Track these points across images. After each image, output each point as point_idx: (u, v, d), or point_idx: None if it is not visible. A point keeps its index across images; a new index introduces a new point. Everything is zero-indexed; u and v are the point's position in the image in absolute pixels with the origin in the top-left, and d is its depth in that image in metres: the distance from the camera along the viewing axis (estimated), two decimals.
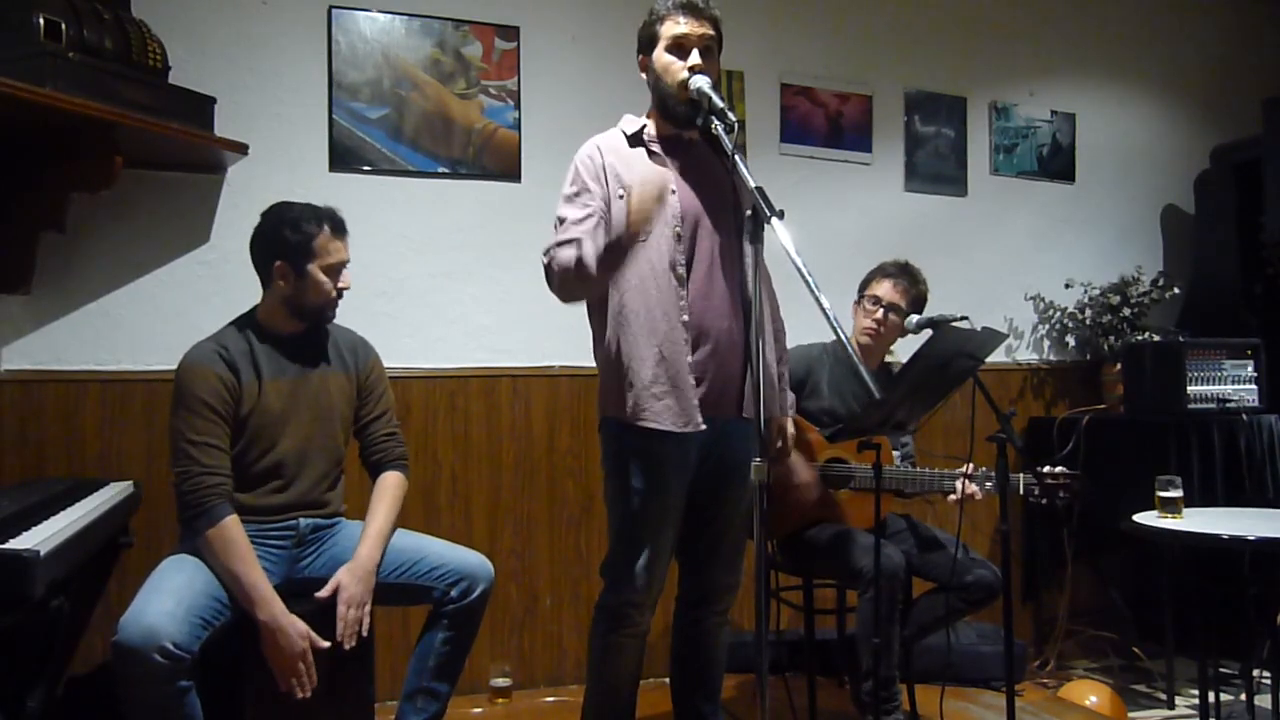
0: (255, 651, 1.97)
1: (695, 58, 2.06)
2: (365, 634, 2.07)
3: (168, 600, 1.84)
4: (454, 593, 2.14)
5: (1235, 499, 3.14)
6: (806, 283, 1.64)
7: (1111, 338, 3.75)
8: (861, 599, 2.48)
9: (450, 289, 3.10)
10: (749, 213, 1.74)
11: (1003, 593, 2.23)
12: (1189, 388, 3.26)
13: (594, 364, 2.21)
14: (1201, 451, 3.20)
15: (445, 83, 3.11)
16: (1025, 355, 3.89)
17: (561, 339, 3.05)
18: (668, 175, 2.07)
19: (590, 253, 1.99)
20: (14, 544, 1.65)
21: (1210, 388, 3.30)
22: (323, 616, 2.02)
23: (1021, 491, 2.42)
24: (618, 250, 1.98)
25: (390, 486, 2.26)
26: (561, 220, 2.10)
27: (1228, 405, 3.28)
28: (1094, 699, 2.99)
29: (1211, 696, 2.61)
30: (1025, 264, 3.88)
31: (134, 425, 2.74)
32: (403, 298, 3.04)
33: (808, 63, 3.57)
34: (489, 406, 3.11)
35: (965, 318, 2.26)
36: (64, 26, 2.26)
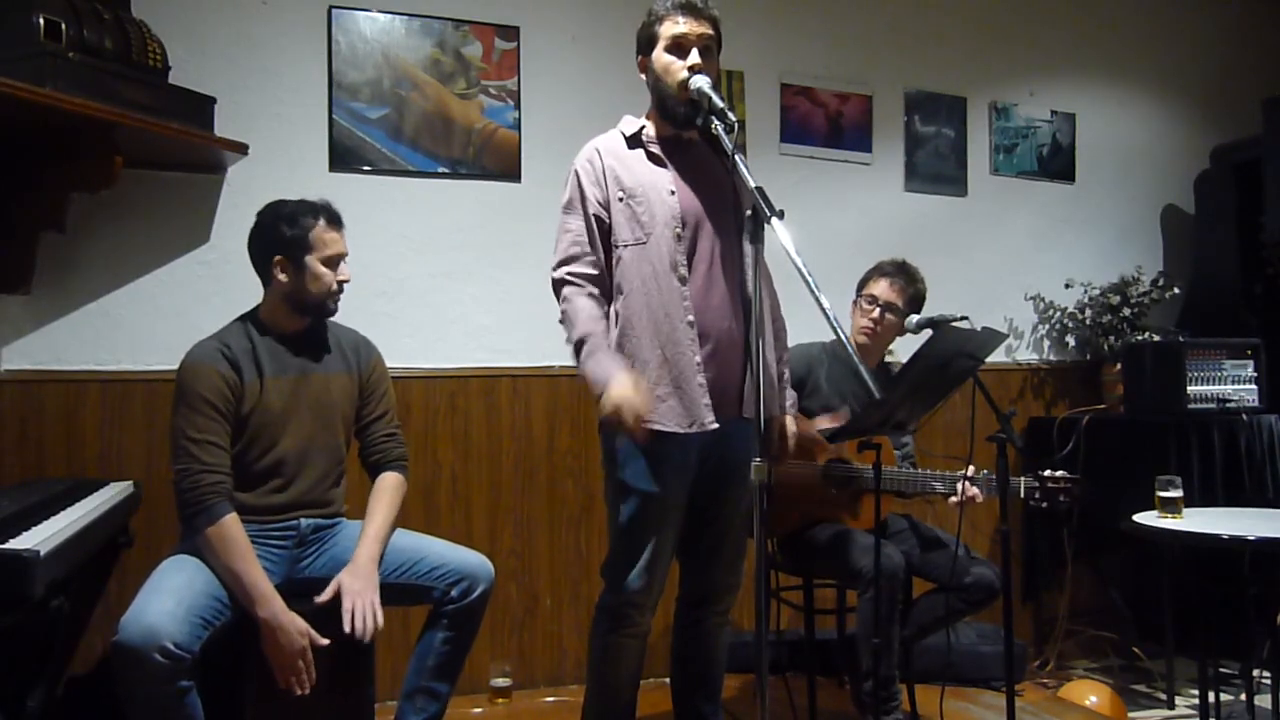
0: (256, 651, 1.97)
1: (695, 57, 2.06)
2: (380, 624, 2.03)
3: (168, 600, 1.84)
4: (454, 593, 2.13)
5: (1235, 499, 3.13)
6: (806, 283, 1.65)
7: (1111, 338, 3.75)
8: (861, 599, 2.48)
9: (450, 289, 3.10)
10: (749, 213, 1.74)
11: (1003, 593, 2.24)
12: (1189, 388, 3.26)
13: None
14: (1201, 451, 3.20)
15: (445, 83, 3.11)
16: (1025, 355, 3.88)
17: (561, 339, 3.00)
18: (644, 405, 1.98)
19: (591, 346, 2.06)
20: (14, 544, 1.65)
21: (1210, 388, 3.30)
22: (323, 615, 2.01)
23: (1022, 495, 2.42)
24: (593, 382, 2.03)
25: (389, 487, 2.25)
26: (566, 231, 2.13)
27: (1228, 405, 3.27)
28: (1094, 699, 2.99)
29: (1211, 696, 2.61)
30: (1025, 264, 3.88)
31: (134, 425, 2.73)
32: (403, 298, 3.04)
33: (808, 63, 3.57)
34: (489, 406, 3.11)
35: (965, 318, 2.26)
36: (64, 26, 2.26)
